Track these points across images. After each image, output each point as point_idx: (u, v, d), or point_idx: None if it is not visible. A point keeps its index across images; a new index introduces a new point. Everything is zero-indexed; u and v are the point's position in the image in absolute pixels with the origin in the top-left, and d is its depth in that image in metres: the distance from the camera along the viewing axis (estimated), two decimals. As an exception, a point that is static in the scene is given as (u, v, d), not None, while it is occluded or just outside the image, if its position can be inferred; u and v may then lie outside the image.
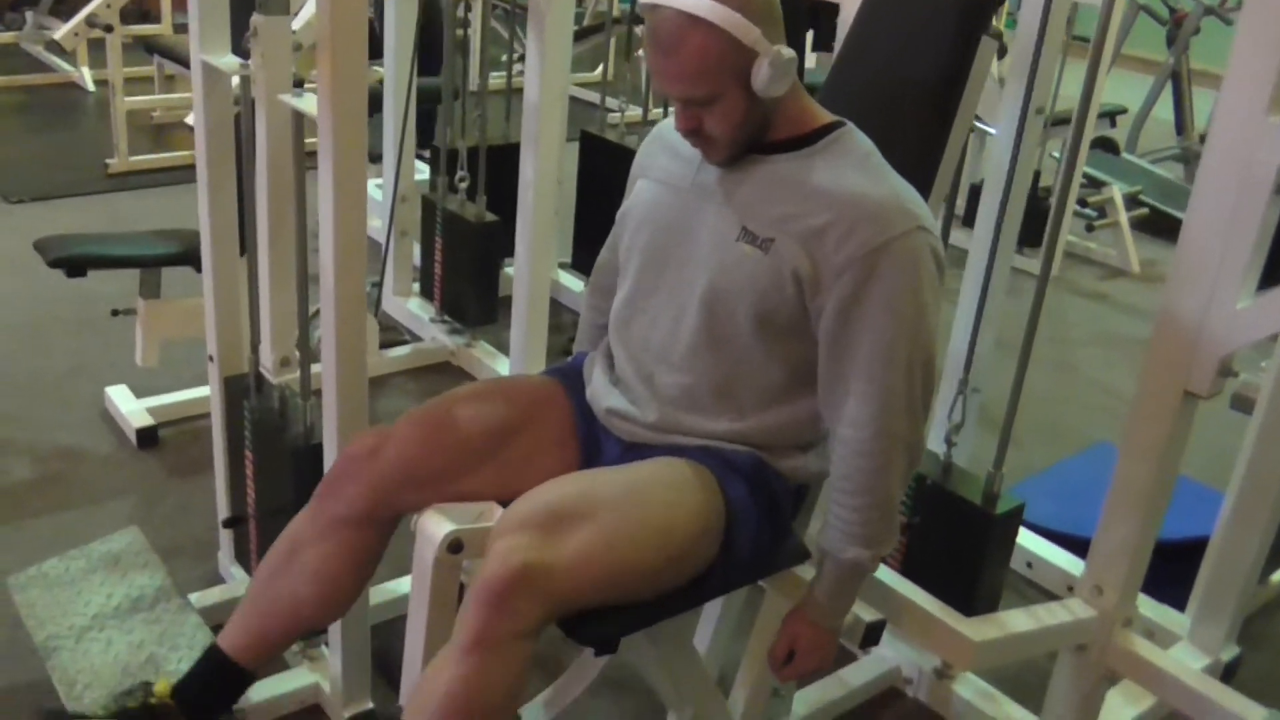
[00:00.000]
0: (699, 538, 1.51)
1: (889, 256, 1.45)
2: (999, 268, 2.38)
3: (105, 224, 4.16)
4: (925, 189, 1.68)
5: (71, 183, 4.58)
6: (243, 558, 2.27)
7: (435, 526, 1.50)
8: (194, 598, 2.17)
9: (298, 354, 2.01)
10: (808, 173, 1.51)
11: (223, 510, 2.28)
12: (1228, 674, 2.36)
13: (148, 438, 2.82)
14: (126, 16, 4.88)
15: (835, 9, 2.10)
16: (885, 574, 1.86)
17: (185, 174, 4.60)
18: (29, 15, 6.25)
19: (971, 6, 1.64)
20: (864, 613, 1.68)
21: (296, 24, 2.57)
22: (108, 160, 4.73)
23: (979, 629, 1.80)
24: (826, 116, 1.58)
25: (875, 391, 1.49)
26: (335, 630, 1.95)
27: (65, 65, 5.91)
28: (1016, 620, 1.86)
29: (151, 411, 2.87)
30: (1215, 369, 1.77)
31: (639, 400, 1.63)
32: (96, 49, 5.23)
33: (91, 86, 5.78)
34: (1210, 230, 1.73)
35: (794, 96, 1.54)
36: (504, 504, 1.56)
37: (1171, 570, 2.30)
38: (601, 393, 1.68)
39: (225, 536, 2.32)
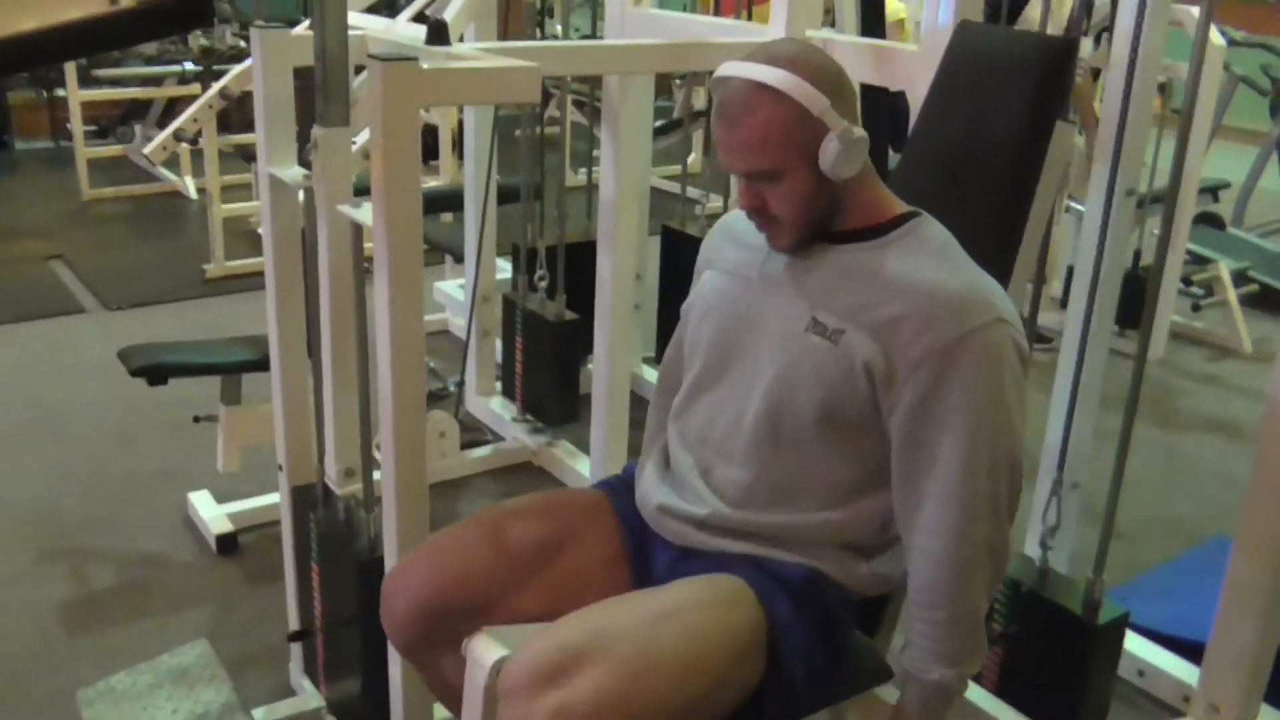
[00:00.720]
0: (736, 662, 1.40)
1: (968, 350, 1.36)
2: (1093, 350, 2.26)
3: (200, 329, 4.25)
4: (1004, 277, 1.59)
5: (169, 289, 4.70)
6: (311, 671, 2.23)
7: (486, 651, 1.43)
8: (261, 712, 2.13)
9: (361, 463, 1.98)
10: (881, 262, 1.43)
11: (292, 622, 2.24)
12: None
13: (227, 544, 2.81)
14: (231, 125, 5.00)
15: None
16: (978, 694, 1.74)
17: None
18: (137, 128, 6.51)
19: (1045, 86, 1.56)
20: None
21: (361, 136, 2.59)
22: (204, 266, 4.86)
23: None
24: (901, 206, 1.51)
25: (955, 495, 1.39)
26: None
27: (169, 175, 6.13)
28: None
29: (232, 517, 2.87)
30: None
31: (691, 496, 1.55)
32: (199, 158, 5.40)
33: (194, 194, 5.97)
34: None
35: (867, 184, 1.47)
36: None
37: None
38: (651, 489, 1.61)
39: (296, 648, 2.28)
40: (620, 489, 1.69)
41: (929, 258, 1.43)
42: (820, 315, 1.44)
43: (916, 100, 2.05)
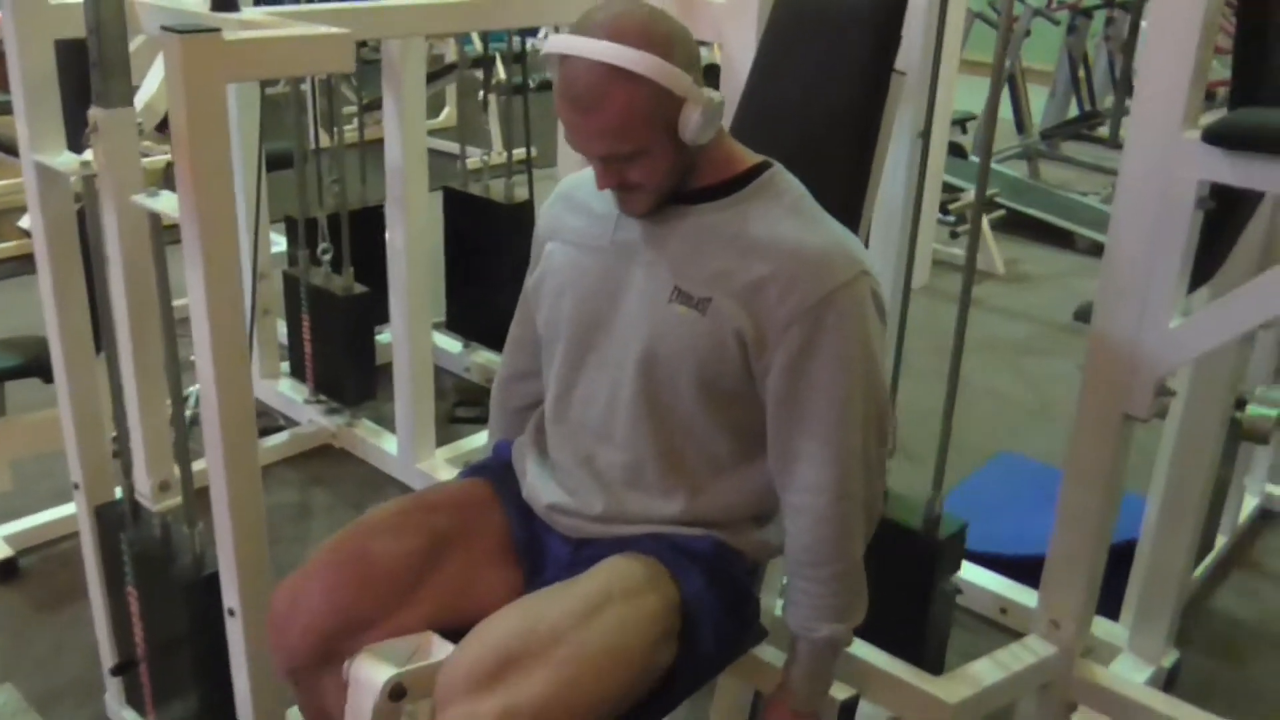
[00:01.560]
0: (658, 645, 1.38)
1: (836, 307, 1.35)
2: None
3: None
4: (855, 224, 1.59)
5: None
6: (135, 701, 2.04)
7: (372, 671, 1.33)
8: (84, 757, 1.95)
9: (178, 474, 1.81)
10: (740, 223, 1.39)
11: (106, 654, 2.04)
12: (1170, 681, 2.34)
13: (7, 570, 2.54)
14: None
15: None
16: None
17: (20, 265, 4.29)
18: None
19: (880, 38, 1.56)
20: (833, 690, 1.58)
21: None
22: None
23: (952, 689, 1.72)
24: (753, 158, 1.47)
25: (832, 454, 1.39)
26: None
27: None
28: (985, 672, 1.79)
29: (9, 540, 2.59)
30: (1153, 391, 1.73)
31: (581, 489, 1.50)
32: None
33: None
34: (1135, 251, 1.69)
35: (718, 140, 1.42)
36: (445, 632, 1.40)
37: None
38: (539, 487, 1.54)
39: (112, 678, 2.08)
40: (500, 472, 1.61)
41: (786, 215, 1.40)
42: (684, 284, 1.40)
43: (729, 53, 2.03)
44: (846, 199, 1.58)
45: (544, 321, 1.54)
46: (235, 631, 1.69)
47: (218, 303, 1.49)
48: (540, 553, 1.54)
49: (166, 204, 1.55)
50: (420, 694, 1.34)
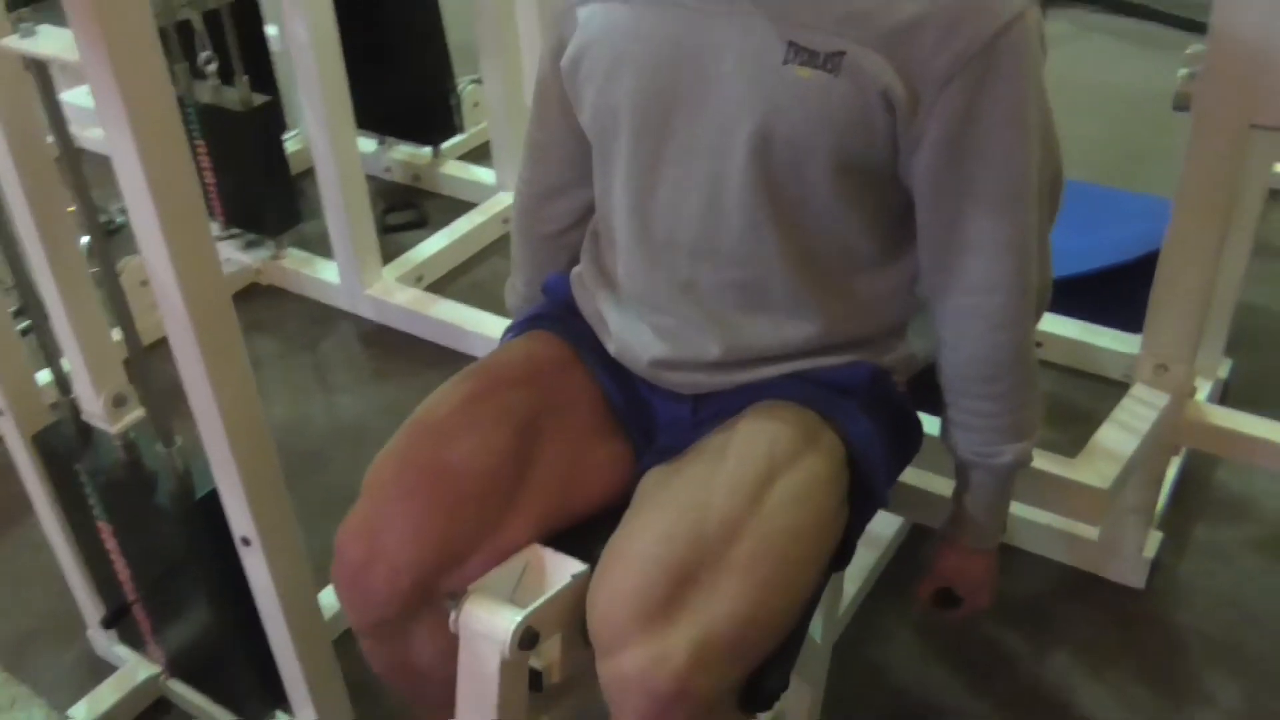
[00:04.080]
0: (837, 511, 1.12)
1: (1006, 51, 1.01)
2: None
3: None
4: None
5: None
6: (132, 638, 1.74)
7: (490, 618, 1.03)
8: (83, 707, 1.66)
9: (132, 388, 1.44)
10: None
11: (84, 597, 1.72)
12: (1225, 392, 2.20)
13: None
14: None
15: None
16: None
17: None
18: None
19: None
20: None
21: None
22: None
23: (1097, 471, 1.50)
24: None
25: (1006, 238, 1.09)
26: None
27: None
28: (1117, 440, 1.58)
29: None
30: (1289, 90, 1.46)
31: (686, 330, 1.18)
32: None
33: None
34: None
35: None
36: (547, 538, 1.14)
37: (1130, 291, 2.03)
38: (630, 341, 1.22)
39: (92, 609, 1.76)
40: (565, 320, 1.30)
41: None
42: (801, 38, 1.03)
43: None
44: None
45: (593, 111, 1.17)
46: (256, 564, 1.38)
47: (151, 139, 1.07)
48: (648, 417, 1.25)
49: (56, 44, 1.11)
50: (550, 630, 1.06)
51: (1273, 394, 2.24)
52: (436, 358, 2.48)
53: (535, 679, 1.10)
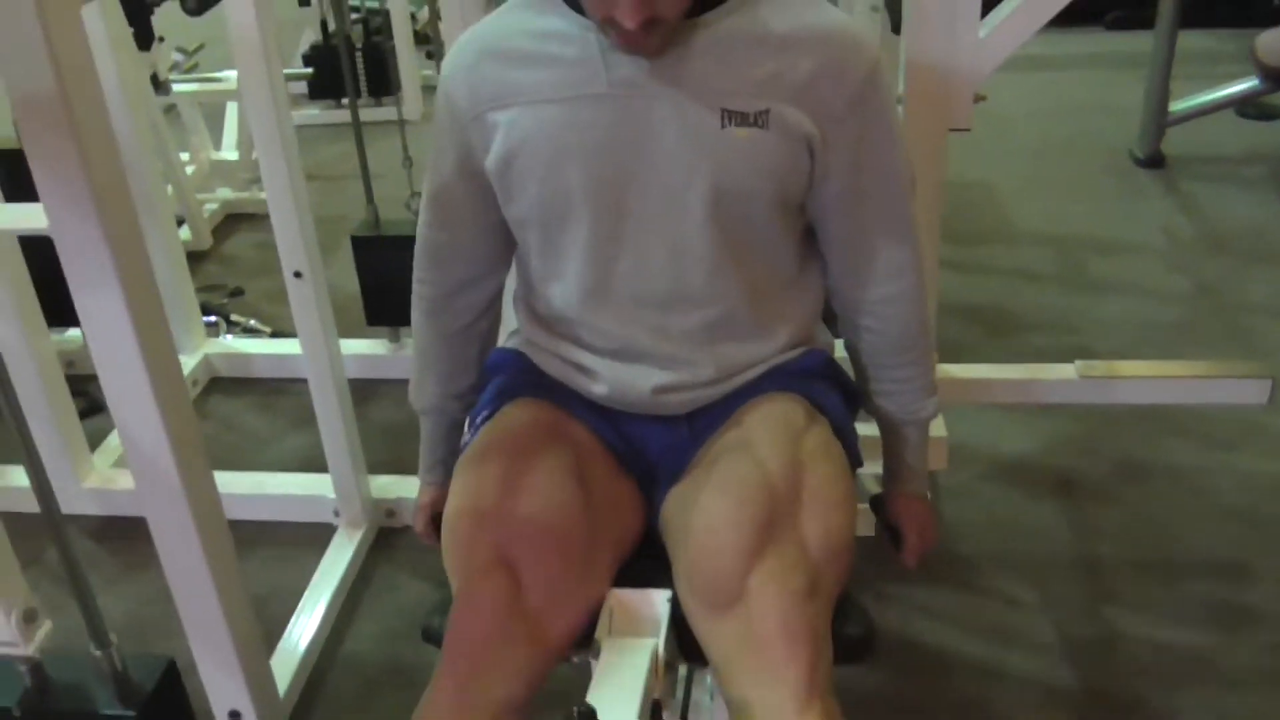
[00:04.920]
0: (849, 468, 1.32)
1: (877, 84, 1.26)
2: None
3: None
4: None
5: None
6: None
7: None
8: None
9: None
10: (759, 22, 1.22)
11: None
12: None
13: None
14: None
15: None
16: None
17: None
18: None
19: None
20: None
21: None
22: None
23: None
24: None
25: (904, 229, 1.33)
26: None
27: None
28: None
29: None
30: (971, 101, 1.84)
31: (678, 357, 1.31)
32: None
33: None
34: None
35: None
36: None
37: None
38: (626, 377, 1.32)
39: None
40: (537, 384, 1.38)
41: (797, 1, 1.26)
42: (732, 104, 1.21)
43: None
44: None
45: (538, 201, 1.26)
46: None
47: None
48: (640, 450, 1.35)
49: None
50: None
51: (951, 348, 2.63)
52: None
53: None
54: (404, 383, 1.52)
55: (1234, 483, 2.32)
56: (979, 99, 1.88)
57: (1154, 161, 3.80)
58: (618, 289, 1.28)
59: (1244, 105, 3.99)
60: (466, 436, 1.40)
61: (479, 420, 1.37)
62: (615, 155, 1.22)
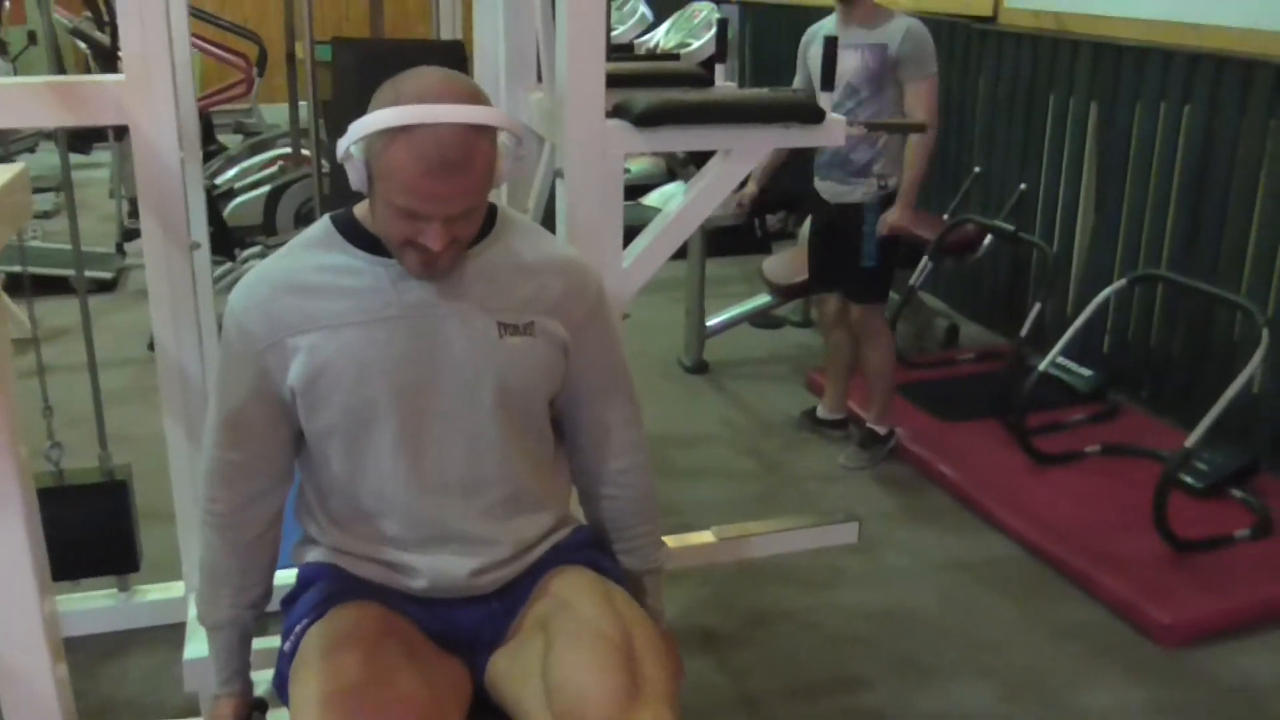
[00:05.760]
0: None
1: (602, 297, 1.63)
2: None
3: None
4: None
5: None
6: None
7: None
8: None
9: None
10: (514, 253, 1.55)
11: None
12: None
13: None
14: None
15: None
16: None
17: None
18: None
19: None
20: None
21: None
22: None
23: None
24: None
25: (634, 412, 1.68)
26: None
27: None
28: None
29: None
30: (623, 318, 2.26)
31: (479, 541, 1.54)
32: None
33: None
34: (589, 216, 2.16)
35: None
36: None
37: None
38: (442, 566, 1.52)
39: None
40: (355, 589, 1.53)
41: (539, 237, 1.61)
42: (505, 318, 1.50)
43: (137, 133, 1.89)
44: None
45: (344, 410, 1.46)
46: None
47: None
48: (456, 631, 1.54)
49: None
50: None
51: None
52: None
53: None
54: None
55: (836, 614, 2.83)
56: (625, 317, 2.31)
57: (700, 368, 4.48)
58: (428, 477, 1.51)
59: (756, 318, 4.84)
60: (285, 645, 1.52)
61: (299, 627, 1.50)
62: (414, 365, 1.47)
